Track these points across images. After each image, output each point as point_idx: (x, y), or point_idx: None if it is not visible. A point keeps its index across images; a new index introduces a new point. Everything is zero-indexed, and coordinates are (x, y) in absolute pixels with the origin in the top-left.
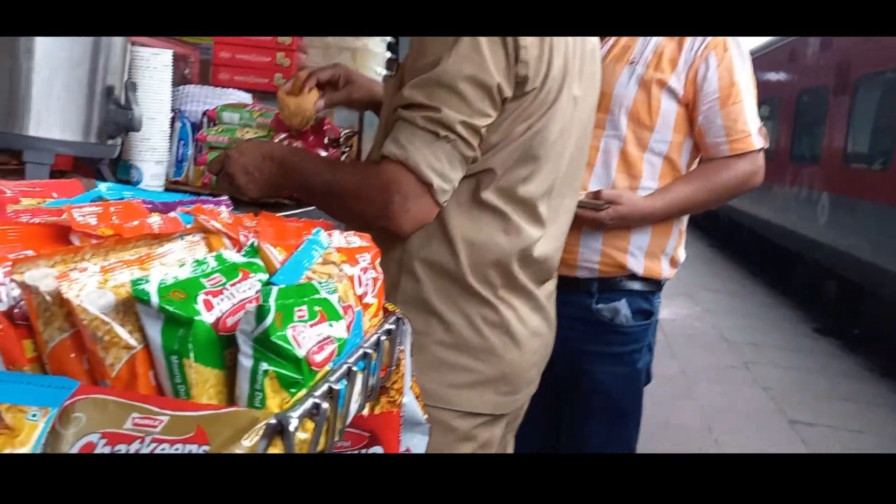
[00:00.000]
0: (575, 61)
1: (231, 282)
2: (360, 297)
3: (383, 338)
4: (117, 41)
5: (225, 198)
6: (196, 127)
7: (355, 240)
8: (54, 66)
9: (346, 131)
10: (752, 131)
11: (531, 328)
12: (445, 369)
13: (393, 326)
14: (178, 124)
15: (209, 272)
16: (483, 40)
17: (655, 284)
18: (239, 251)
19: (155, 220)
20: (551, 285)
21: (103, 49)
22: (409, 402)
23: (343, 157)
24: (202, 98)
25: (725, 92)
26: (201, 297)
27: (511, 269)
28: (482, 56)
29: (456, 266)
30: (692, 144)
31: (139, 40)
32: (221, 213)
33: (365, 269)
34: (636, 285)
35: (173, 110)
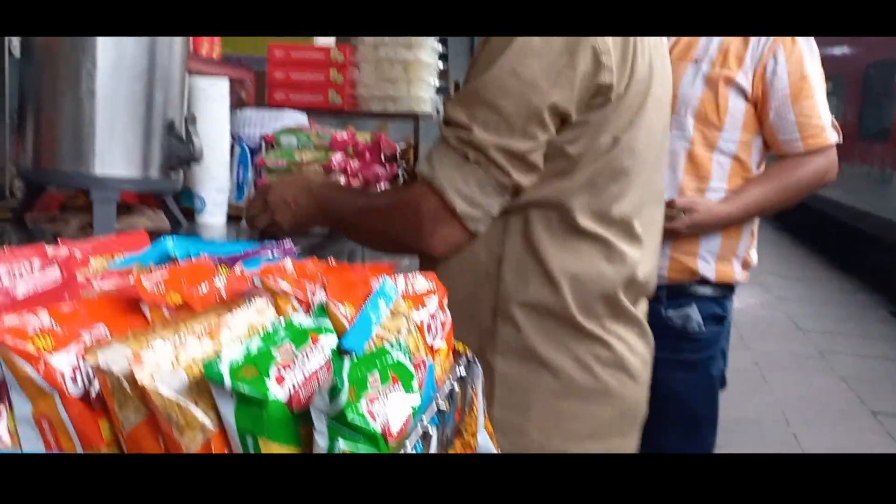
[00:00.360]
0: (657, 60)
1: (301, 349)
2: (431, 347)
3: (456, 387)
4: (175, 75)
5: (288, 244)
6: (254, 150)
7: (420, 281)
8: (115, 105)
9: (402, 146)
10: (826, 125)
11: (641, 357)
12: (564, 420)
13: (464, 372)
14: (237, 149)
15: (279, 341)
16: (544, 44)
17: (728, 289)
18: (307, 311)
19: (221, 282)
20: (646, 303)
21: (161, 83)
22: (483, 441)
23: (400, 172)
24: (259, 121)
25: (796, 87)
26: (273, 371)
27: (618, 299)
28: (537, 66)
29: (560, 304)
30: (761, 143)
31: (196, 69)
32: (287, 268)
33: (433, 315)
34: (707, 290)
35: (232, 136)
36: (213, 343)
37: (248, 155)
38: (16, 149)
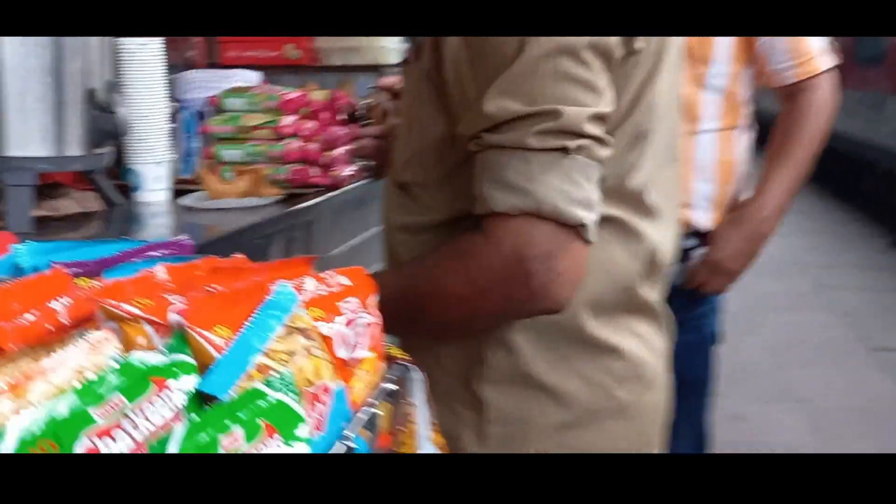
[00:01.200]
0: None
1: (137, 402)
2: (346, 363)
3: (378, 408)
4: (92, 39)
5: (184, 238)
6: (201, 116)
7: (336, 280)
8: (25, 77)
9: (366, 101)
10: (816, 52)
11: (658, 351)
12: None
13: (394, 386)
14: (180, 116)
15: (106, 393)
16: None
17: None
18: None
19: (62, 304)
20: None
21: (76, 50)
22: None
23: (366, 131)
24: (205, 83)
25: None
26: (84, 443)
27: (635, 291)
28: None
29: (565, 314)
30: (751, 75)
31: None
32: (157, 274)
33: (351, 321)
34: (694, 242)
35: (174, 100)
36: (16, 402)
37: (195, 122)
38: None
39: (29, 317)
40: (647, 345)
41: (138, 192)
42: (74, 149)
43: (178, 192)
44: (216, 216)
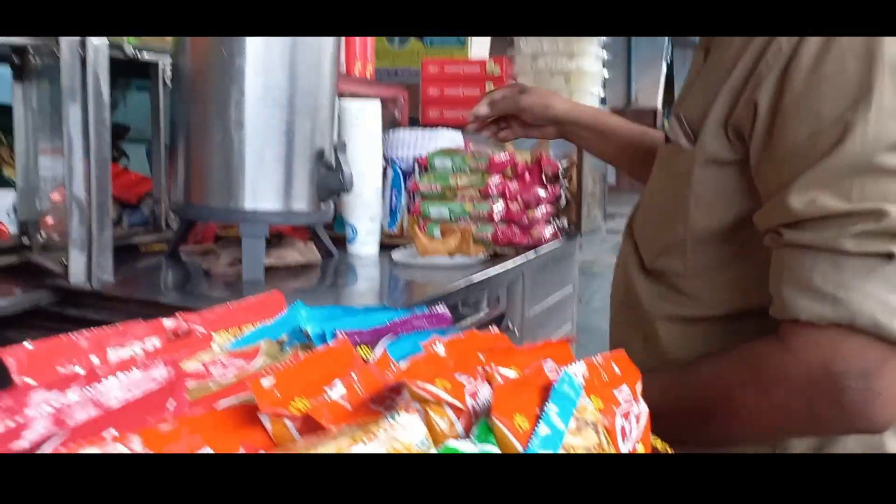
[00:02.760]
0: None
1: None
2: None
3: None
4: (324, 101)
5: (443, 311)
6: (407, 173)
7: (605, 364)
8: (264, 136)
9: (565, 164)
10: None
11: None
12: None
13: None
14: (389, 173)
15: None
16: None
17: None
18: (467, 425)
19: (356, 379)
20: None
21: (309, 111)
22: None
23: (562, 193)
24: (412, 142)
25: None
26: None
27: None
28: (890, 90)
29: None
30: None
31: (347, 91)
32: (437, 348)
33: (626, 414)
34: None
35: (384, 158)
36: None
37: (402, 179)
38: (168, 181)
39: (334, 393)
40: None
41: (352, 245)
42: (302, 204)
43: (383, 246)
44: (427, 272)
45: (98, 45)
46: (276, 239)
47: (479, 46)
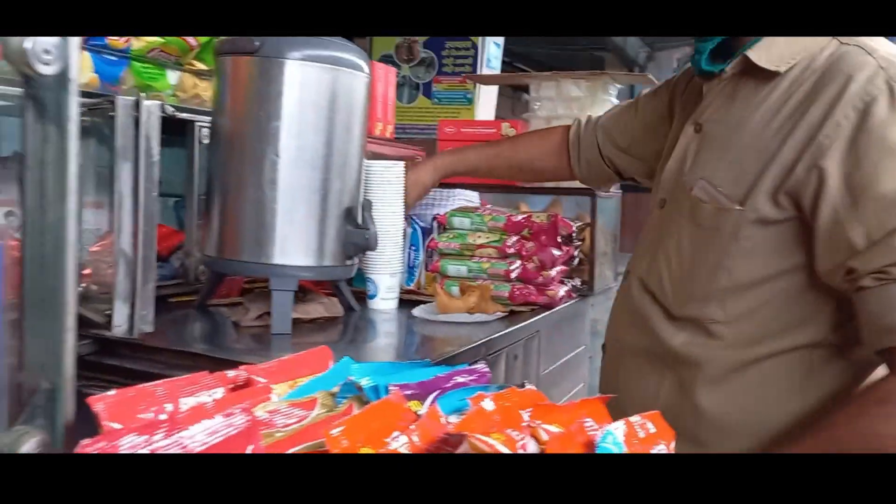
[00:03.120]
0: None
1: None
2: None
3: None
4: (353, 162)
5: (484, 368)
6: (426, 231)
7: (641, 424)
8: (296, 195)
9: (578, 225)
10: None
11: None
12: None
13: None
14: (409, 230)
15: None
16: None
17: None
18: None
19: (415, 432)
20: None
21: (339, 171)
22: None
23: (576, 254)
24: (431, 201)
25: None
26: None
27: None
28: None
29: None
30: None
31: (370, 151)
32: (485, 404)
33: None
34: None
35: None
36: None
37: (421, 237)
38: (202, 235)
39: (396, 443)
40: None
41: (373, 300)
42: (330, 259)
43: (401, 301)
44: (447, 328)
45: (150, 106)
46: (300, 293)
47: (486, 105)
